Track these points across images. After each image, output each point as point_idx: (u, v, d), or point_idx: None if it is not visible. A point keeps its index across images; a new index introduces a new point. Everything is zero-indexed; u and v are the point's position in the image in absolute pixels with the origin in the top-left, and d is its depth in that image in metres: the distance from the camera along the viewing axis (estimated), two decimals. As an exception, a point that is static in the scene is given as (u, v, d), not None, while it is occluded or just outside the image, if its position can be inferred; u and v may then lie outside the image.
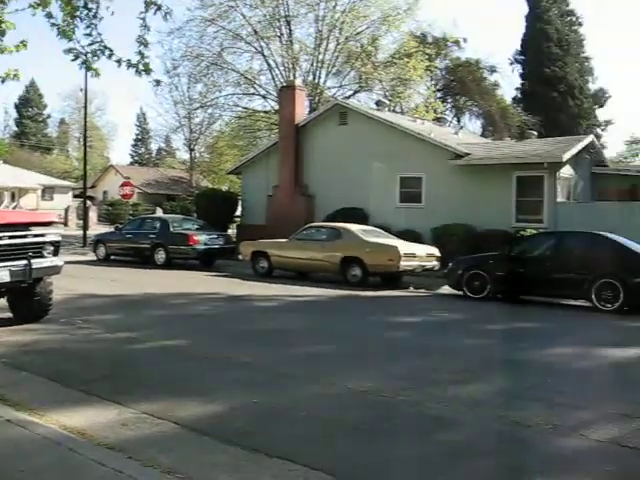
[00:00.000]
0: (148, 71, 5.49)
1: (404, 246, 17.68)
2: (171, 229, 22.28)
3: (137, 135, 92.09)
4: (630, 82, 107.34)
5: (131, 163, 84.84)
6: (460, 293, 15.81)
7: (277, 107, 32.08)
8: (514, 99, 52.51)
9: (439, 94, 46.48)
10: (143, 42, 5.41)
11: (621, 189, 23.93)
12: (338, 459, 4.90)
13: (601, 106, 56.95)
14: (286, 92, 27.40)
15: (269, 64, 38.22)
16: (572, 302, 15.05)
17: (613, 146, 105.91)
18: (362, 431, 5.56)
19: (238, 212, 30.32)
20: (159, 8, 5.41)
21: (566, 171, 22.37)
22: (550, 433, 5.63)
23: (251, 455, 4.88)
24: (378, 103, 29.69)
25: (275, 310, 13.42)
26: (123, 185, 31.43)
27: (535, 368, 8.34)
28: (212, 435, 5.28)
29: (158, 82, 5.86)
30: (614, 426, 5.88)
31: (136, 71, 5.46)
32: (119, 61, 5.56)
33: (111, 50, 5.65)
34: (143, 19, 5.46)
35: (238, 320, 11.52)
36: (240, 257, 20.95)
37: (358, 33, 38.09)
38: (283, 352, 8.74)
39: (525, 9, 53.10)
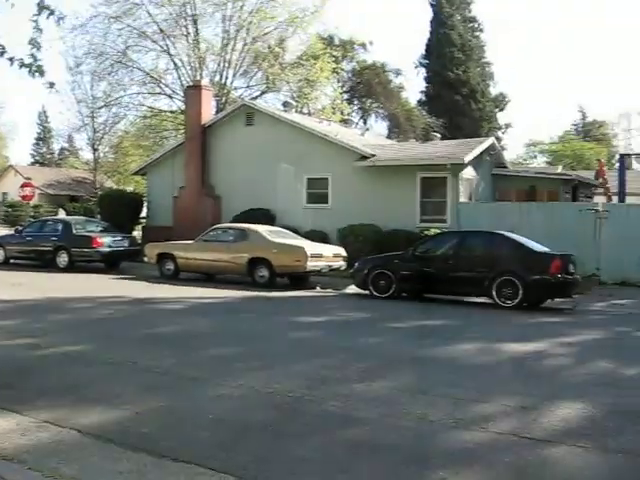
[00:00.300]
0: (41, 73, 5.33)
1: (311, 247, 17.82)
2: (74, 231, 21.73)
3: (38, 134, 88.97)
4: (527, 88, 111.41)
5: (32, 163, 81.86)
6: (366, 292, 16.06)
7: (183, 107, 31.69)
8: (419, 102, 53.62)
9: (346, 96, 46.94)
10: (35, 45, 5.25)
11: (520, 190, 24.76)
12: (245, 461, 4.89)
13: (501, 110, 58.85)
14: (192, 92, 27.12)
15: (175, 63, 37.77)
16: (474, 299, 15.51)
17: (513, 148, 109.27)
18: (269, 432, 5.58)
19: (144, 213, 29.80)
20: (52, 13, 5.27)
21: (468, 172, 23.01)
22: (453, 427, 5.79)
23: (157, 461, 4.82)
24: (285, 104, 29.75)
25: (181, 312, 13.29)
26: (23, 186, 30.29)
27: (439, 364, 8.56)
28: (117, 442, 5.18)
29: (52, 84, 5.68)
30: (513, 418, 6.12)
31: (29, 71, 5.29)
32: (11, 59, 5.37)
33: (3, 47, 5.46)
34: (36, 21, 5.30)
35: (143, 323, 11.35)
36: (146, 259, 20.62)
37: (265, 34, 38.07)
38: (189, 355, 8.68)
39: (430, 14, 54.30)
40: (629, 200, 27.82)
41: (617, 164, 32.89)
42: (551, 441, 5.48)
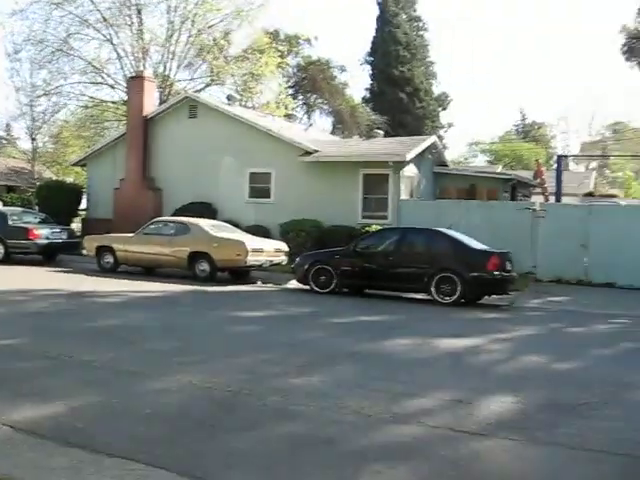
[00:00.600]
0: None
1: (252, 241, 17.77)
2: (10, 222, 21.16)
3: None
4: (469, 88, 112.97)
5: (-33, 152, 79.59)
6: (307, 288, 16.10)
7: (126, 98, 31.21)
8: (364, 99, 53.81)
9: (290, 91, 46.84)
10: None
11: (460, 188, 25.14)
12: (181, 456, 4.86)
13: (444, 109, 59.52)
14: (135, 82, 26.74)
15: (118, 53, 37.10)
16: (414, 295, 15.68)
17: (455, 147, 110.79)
18: (206, 426, 5.55)
19: (83, 205, 29.24)
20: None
21: (410, 170, 23.25)
22: (390, 421, 5.87)
23: (92, 456, 4.75)
24: (229, 98, 29.58)
25: (119, 306, 13.10)
26: (-44, 175, 29.56)
27: (376, 359, 8.64)
28: (51, 438, 5.08)
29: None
30: (449, 412, 6.22)
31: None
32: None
33: None
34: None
35: (80, 317, 11.15)
36: (84, 252, 20.26)
37: (211, 26, 37.72)
38: (127, 349, 8.57)
39: (376, 12, 54.55)
40: (565, 200, 28.51)
41: (554, 165, 33.60)
42: (485, 434, 5.61)
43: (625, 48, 35.66)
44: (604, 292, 18.19)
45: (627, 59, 36.02)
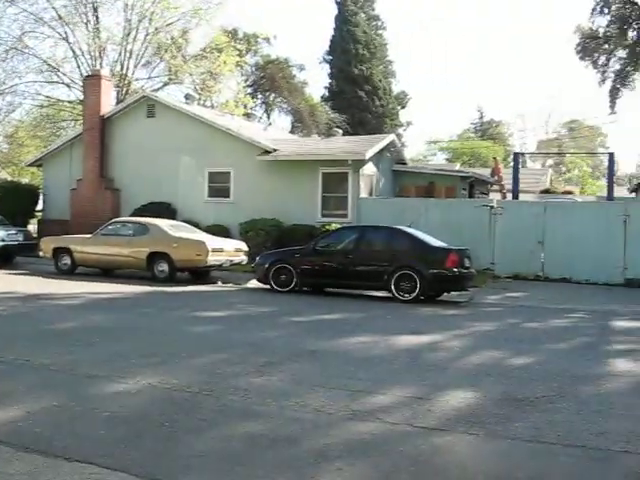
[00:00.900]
0: None
1: (212, 241, 17.71)
2: (-37, 224, 20.83)
3: None
4: (427, 86, 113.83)
5: None
6: (267, 287, 16.10)
7: (82, 97, 30.81)
8: (323, 97, 53.88)
9: (249, 90, 46.72)
10: None
11: (419, 186, 25.36)
12: (141, 458, 4.83)
13: (403, 107, 59.89)
14: (91, 81, 26.42)
15: (74, 51, 36.60)
16: (374, 293, 15.77)
17: (414, 145, 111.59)
18: (166, 428, 5.51)
19: (40, 206, 28.83)
20: None
21: (369, 168, 23.37)
22: (350, 419, 5.90)
23: (50, 461, 4.69)
24: (187, 97, 29.40)
25: (77, 308, 12.93)
26: None
27: (337, 357, 8.66)
28: (8, 443, 5.00)
29: None
30: (408, 409, 6.26)
31: None
32: None
33: None
34: None
35: (37, 320, 10.98)
36: (41, 254, 19.95)
37: (169, 24, 37.43)
38: (84, 352, 8.47)
39: (335, 11, 54.64)
40: (522, 197, 28.87)
41: (512, 162, 34.04)
42: (444, 429, 5.67)
43: (579, 48, 36.31)
44: (560, 287, 18.51)
45: (581, 58, 36.70)
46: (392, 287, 14.83)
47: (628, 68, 35.55)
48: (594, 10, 35.21)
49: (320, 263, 15.83)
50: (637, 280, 19.10)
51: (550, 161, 75.33)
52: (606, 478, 4.83)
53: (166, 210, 23.45)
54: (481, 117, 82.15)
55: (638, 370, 8.51)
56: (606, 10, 34.84)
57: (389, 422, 5.84)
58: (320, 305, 14.40)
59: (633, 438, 5.61)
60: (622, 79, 35.71)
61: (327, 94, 54.24)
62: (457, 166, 46.55)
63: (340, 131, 31.69)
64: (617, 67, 36.19)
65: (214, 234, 19.62)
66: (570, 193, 38.27)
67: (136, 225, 18.57)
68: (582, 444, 5.43)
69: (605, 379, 7.89)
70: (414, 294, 14.60)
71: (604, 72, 36.50)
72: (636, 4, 33.27)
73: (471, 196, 27.03)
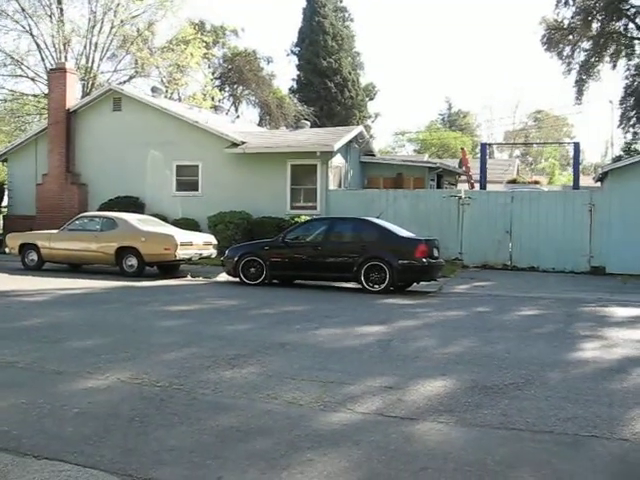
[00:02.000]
0: None
1: (180, 235, 17.63)
2: None
3: None
4: (395, 78, 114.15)
5: None
6: (237, 280, 16.08)
7: (47, 90, 30.44)
8: (291, 90, 53.79)
9: (217, 82, 46.53)
10: None
11: (388, 177, 25.46)
12: (111, 454, 4.79)
13: (371, 99, 60.02)
14: (56, 75, 26.06)
15: (38, 44, 36.17)
16: (344, 284, 15.81)
17: (383, 137, 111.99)
18: (137, 423, 5.48)
19: (5, 202, 28.45)
20: None
21: (337, 160, 23.39)
22: (321, 410, 5.92)
23: (19, 459, 4.63)
24: (154, 89, 29.15)
25: (45, 305, 12.79)
26: None
27: (307, 349, 8.67)
28: (-26, 442, 4.94)
29: None
30: (379, 399, 6.30)
31: None
32: None
33: None
34: None
35: (3, 317, 10.83)
36: (7, 250, 19.72)
37: (134, 17, 37.15)
38: (52, 348, 8.38)
39: (303, 3, 54.53)
40: (490, 187, 29.10)
41: (479, 153, 34.27)
42: (414, 418, 5.72)
43: (544, 39, 36.64)
44: (528, 276, 18.73)
45: (547, 50, 37.07)
46: (362, 278, 14.89)
47: (593, 59, 35.98)
48: (559, 1, 35.54)
49: (289, 255, 15.83)
50: (602, 268, 19.39)
51: (517, 151, 76.04)
52: (574, 463, 4.89)
53: (134, 204, 23.27)
54: (449, 108, 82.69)
55: (603, 356, 8.65)
56: (571, 2, 35.19)
57: (360, 412, 5.87)
58: (290, 297, 14.40)
59: (600, 423, 5.71)
60: (587, 70, 36.14)
61: (295, 86, 54.17)
62: (425, 157, 46.79)
63: (308, 123, 31.67)
64: (582, 58, 36.61)
65: (183, 228, 19.52)
66: (537, 183, 38.70)
67: (104, 220, 18.40)
68: (550, 430, 5.52)
69: (572, 365, 8.01)
70: (384, 285, 14.66)
71: (569, 63, 36.92)
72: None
73: (439, 187, 27.19)
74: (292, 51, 55.58)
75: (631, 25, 35.14)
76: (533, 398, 6.46)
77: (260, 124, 44.04)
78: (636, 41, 35.57)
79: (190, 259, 17.69)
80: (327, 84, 51.71)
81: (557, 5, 35.51)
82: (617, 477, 4.71)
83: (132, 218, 18.37)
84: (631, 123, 36.36)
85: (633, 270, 18.95)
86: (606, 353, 8.85)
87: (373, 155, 28.24)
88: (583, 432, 5.47)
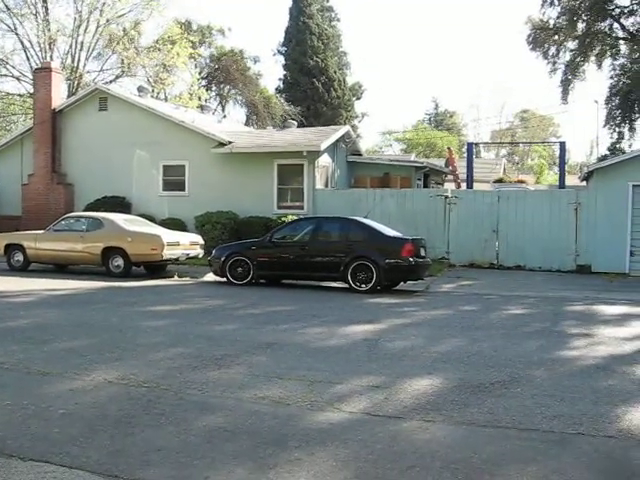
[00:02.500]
0: None
1: (167, 235, 17.58)
2: None
3: None
4: (382, 77, 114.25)
5: None
6: (224, 280, 16.05)
7: (33, 90, 30.27)
8: (278, 89, 53.76)
9: (204, 82, 46.47)
10: None
11: (375, 177, 25.49)
12: (98, 455, 4.77)
13: (358, 98, 60.06)
14: (42, 74, 25.94)
15: (23, 44, 36.02)
16: (332, 284, 15.81)
17: (370, 136, 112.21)
18: (124, 424, 5.46)
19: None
20: None
21: (324, 159, 23.40)
22: (308, 409, 5.92)
23: (4, 461, 4.60)
24: (140, 89, 29.06)
25: (30, 305, 12.70)
26: None
27: (294, 348, 8.65)
28: (-41, 444, 4.90)
29: None
30: (366, 398, 6.31)
31: None
32: None
33: None
34: None
35: (-11, 318, 10.79)
36: (-8, 251, 19.59)
37: (120, 16, 37.04)
38: (38, 349, 8.33)
39: (289, 2, 54.49)
40: (477, 186, 29.22)
41: (466, 152, 34.38)
42: (401, 417, 5.73)
43: (530, 39, 36.78)
44: (514, 275, 18.80)
45: (532, 49, 37.21)
46: (349, 278, 14.90)
47: (578, 59, 36.15)
48: (545, 1, 35.68)
49: (276, 255, 15.83)
50: (588, 266, 19.51)
51: (504, 151, 76.31)
52: (561, 461, 4.91)
53: (120, 204, 23.20)
54: (436, 108, 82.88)
55: (589, 354, 8.70)
56: (556, 2, 35.33)
57: (347, 411, 5.88)
58: (277, 297, 14.39)
59: (586, 420, 5.74)
60: (572, 70, 36.32)
61: (282, 86, 54.16)
62: (412, 157, 46.87)
63: (295, 123, 31.69)
64: (567, 58, 36.78)
65: (170, 228, 19.47)
66: (523, 182, 38.83)
67: (90, 220, 18.31)
68: (536, 428, 5.55)
69: (558, 363, 8.05)
70: (371, 284, 14.68)
71: (554, 63, 37.08)
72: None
73: (426, 186, 27.25)
74: (279, 51, 55.62)
75: (616, 25, 35.36)
76: (519, 396, 6.49)
77: (247, 124, 44.01)
78: (621, 41, 35.80)
79: (177, 259, 17.65)
80: (314, 84, 51.72)
81: (543, 5, 35.67)
82: (603, 474, 4.73)
83: (118, 218, 18.30)
84: (616, 122, 36.54)
85: (618, 269, 19.08)
86: (592, 351, 8.90)
87: (360, 155, 28.26)
88: (569, 430, 5.50)
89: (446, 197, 21.17)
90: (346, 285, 15.08)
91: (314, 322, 10.96)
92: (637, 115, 35.53)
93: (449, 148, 37.34)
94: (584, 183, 22.87)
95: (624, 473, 4.75)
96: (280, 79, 54.94)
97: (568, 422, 5.69)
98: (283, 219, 20.25)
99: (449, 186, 30.06)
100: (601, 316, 12.33)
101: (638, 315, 12.41)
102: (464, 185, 29.47)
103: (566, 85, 36.77)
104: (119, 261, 17.16)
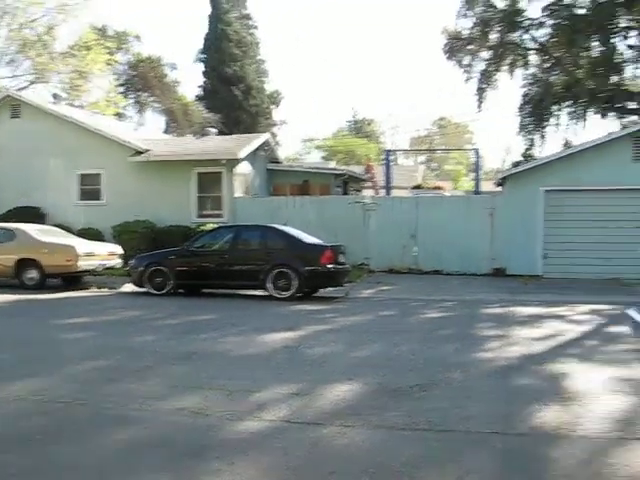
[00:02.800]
0: None
1: (82, 245, 17.18)
2: None
3: None
4: (300, 86, 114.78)
5: None
6: (143, 290, 15.79)
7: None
8: (198, 97, 53.30)
9: (121, 89, 45.62)
10: None
11: (294, 184, 25.53)
12: (10, 474, 4.62)
13: (277, 106, 60.11)
14: (-53, 81, 25.03)
15: None
16: (252, 292, 15.74)
17: (291, 144, 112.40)
18: (37, 442, 5.30)
19: None
20: None
21: (244, 167, 23.34)
22: (228, 419, 5.88)
23: None
24: (55, 96, 28.36)
25: (-61, 320, 12.26)
26: None
27: (214, 358, 8.62)
28: None
29: None
30: (286, 405, 6.31)
31: None
32: None
33: None
34: None
35: None
36: None
37: (33, 20, 36.01)
38: (-53, 366, 8.06)
39: (208, 10, 54.11)
40: (396, 193, 29.65)
41: (384, 159, 34.84)
42: (321, 423, 5.76)
43: (446, 48, 37.56)
44: (432, 279, 19.14)
45: (448, 58, 37.96)
46: (269, 285, 14.88)
47: (491, 68, 37.07)
48: (459, 12, 36.51)
49: (196, 264, 15.68)
50: (503, 269, 20.04)
51: (422, 158, 77.62)
52: (477, 459, 5.04)
53: (34, 214, 22.54)
54: (355, 115, 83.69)
55: (503, 355, 8.93)
56: (470, 13, 36.18)
57: (267, 420, 5.87)
58: (196, 306, 14.26)
59: (500, 420, 5.91)
60: (486, 79, 37.21)
61: (202, 93, 53.70)
62: (332, 164, 47.18)
63: (215, 130, 31.49)
64: (482, 67, 37.67)
65: (87, 238, 19.04)
66: (440, 188, 39.57)
67: (1, 231, 17.71)
68: (453, 429, 5.68)
69: (474, 365, 8.25)
70: (290, 292, 14.70)
71: (469, 72, 37.92)
72: (497, 8, 34.73)
73: (345, 193, 27.47)
74: (199, 58, 55.14)
75: (527, 36, 36.41)
76: (437, 399, 6.62)
77: (166, 131, 43.44)
78: (532, 52, 36.88)
79: (94, 270, 17.26)
80: (232, 91, 51.49)
81: (457, 16, 36.48)
82: (516, 470, 4.89)
83: (31, 229, 17.76)
84: (528, 130, 37.59)
85: (532, 271, 19.66)
86: (506, 352, 9.14)
87: (279, 162, 28.30)
88: (485, 429, 5.65)
89: (364, 204, 21.40)
90: (266, 293, 15.05)
91: (234, 331, 10.90)
92: (547, 123, 36.63)
93: (367, 156, 37.80)
94: (499, 188, 23.47)
95: (536, 468, 4.91)
96: (200, 87, 54.50)
97: (483, 422, 5.84)
98: (202, 228, 20.08)
99: (368, 193, 30.41)
100: (515, 318, 12.68)
101: (550, 316, 12.79)
102: (383, 192, 29.84)
103: (480, 93, 37.62)
104: (33, 273, 16.66)
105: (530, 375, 7.77)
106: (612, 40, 31.46)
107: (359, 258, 20.04)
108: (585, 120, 34.80)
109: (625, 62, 32.74)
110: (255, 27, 57.90)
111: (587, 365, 8.35)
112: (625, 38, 31.82)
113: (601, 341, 10.22)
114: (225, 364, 8.21)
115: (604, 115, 34.82)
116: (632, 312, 5.44)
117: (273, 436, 5.47)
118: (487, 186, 33.76)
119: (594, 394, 6.79)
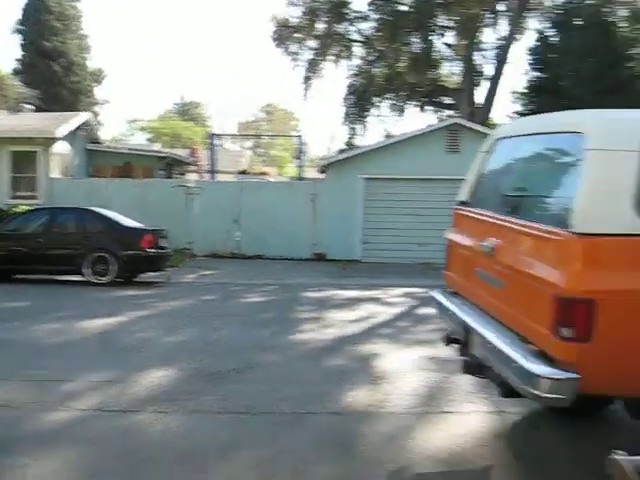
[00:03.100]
0: None
1: None
2: None
3: None
4: (128, 65, 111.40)
5: None
6: (-52, 276, 14.76)
7: None
8: (14, 70, 50.29)
9: None
10: None
11: (116, 166, 24.75)
12: None
13: (99, 84, 57.96)
14: None
15: None
16: (70, 278, 15.12)
17: (116, 125, 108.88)
18: None
19: None
20: None
21: (61, 147, 22.33)
22: (38, 410, 5.69)
23: None
24: None
25: None
26: None
27: (23, 347, 8.23)
28: None
29: None
30: (99, 393, 6.20)
31: None
32: None
33: None
34: None
35: None
36: None
37: None
38: None
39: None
40: (222, 178, 29.54)
41: (210, 143, 34.60)
42: (135, 410, 5.72)
43: (275, 35, 37.86)
44: (255, 264, 19.30)
45: (277, 46, 38.30)
46: (86, 270, 14.37)
47: (317, 58, 37.80)
48: (289, 0, 36.89)
49: (7, 248, 14.80)
50: (324, 255, 20.55)
51: (249, 143, 77.82)
52: (292, 438, 5.21)
53: None
54: (182, 98, 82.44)
55: (319, 337, 9.20)
56: (299, 1, 36.64)
57: (79, 409, 5.74)
58: (8, 293, 13.43)
59: (314, 400, 6.14)
60: (313, 67, 37.89)
61: (20, 67, 50.74)
62: (157, 146, 46.27)
63: (32, 107, 29.88)
64: (308, 56, 38.31)
65: None
66: (265, 174, 39.96)
67: None
68: (269, 410, 5.83)
69: (291, 348, 8.46)
70: (109, 277, 14.28)
71: (296, 60, 38.44)
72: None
73: (169, 177, 27.02)
74: (17, 29, 51.94)
75: (352, 28, 37.40)
76: (254, 381, 6.74)
77: (-23, 107, 40.69)
78: (356, 44, 37.94)
79: None
80: (52, 67, 49.05)
81: (287, 4, 36.87)
82: (328, 446, 5.10)
83: None
84: (351, 119, 38.68)
85: (350, 256, 20.31)
86: (322, 334, 9.42)
87: (100, 143, 27.33)
88: (299, 409, 5.85)
89: (188, 188, 21.15)
90: (85, 279, 14.53)
91: (49, 318, 10.43)
92: (369, 113, 37.90)
93: (192, 139, 37.36)
94: (323, 175, 24.00)
95: (346, 443, 5.13)
96: (18, 60, 51.42)
97: (298, 403, 6.03)
98: (15, 210, 19.01)
99: (193, 177, 30.10)
100: (333, 301, 13.04)
101: (366, 299, 13.29)
102: (208, 176, 29.64)
103: (307, 81, 38.29)
104: None
105: (344, 356, 8.06)
106: (431, 37, 33.13)
107: (182, 242, 19.80)
108: (404, 112, 36.49)
109: (442, 59, 34.61)
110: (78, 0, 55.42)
111: (397, 345, 8.80)
112: (442, 36, 33.64)
113: (411, 322, 10.79)
114: (36, 353, 7.87)
115: (423, 108, 36.65)
116: (436, 294, 5.81)
117: (85, 426, 5.38)
118: (312, 173, 34.48)
119: (403, 373, 7.18)
